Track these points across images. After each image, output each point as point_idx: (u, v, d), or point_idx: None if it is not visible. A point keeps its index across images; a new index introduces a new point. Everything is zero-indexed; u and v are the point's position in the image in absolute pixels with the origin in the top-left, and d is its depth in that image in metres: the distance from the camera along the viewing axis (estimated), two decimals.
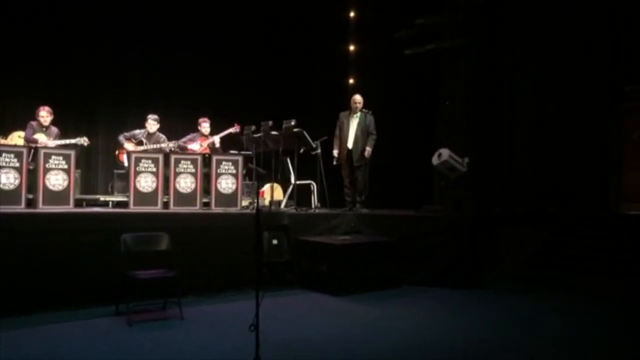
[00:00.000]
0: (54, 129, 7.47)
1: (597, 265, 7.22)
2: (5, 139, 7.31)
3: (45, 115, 7.33)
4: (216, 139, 8.36)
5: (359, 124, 8.00)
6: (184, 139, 8.31)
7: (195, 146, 8.23)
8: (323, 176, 8.10)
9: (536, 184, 9.36)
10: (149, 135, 7.94)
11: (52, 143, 7.20)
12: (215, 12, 9.95)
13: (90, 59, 9.22)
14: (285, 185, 8.60)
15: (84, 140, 7.35)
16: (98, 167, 9.43)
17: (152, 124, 7.96)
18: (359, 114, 8.04)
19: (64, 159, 6.42)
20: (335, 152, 8.17)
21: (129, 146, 7.77)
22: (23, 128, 7.49)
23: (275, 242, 6.79)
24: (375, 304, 6.06)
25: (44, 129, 7.35)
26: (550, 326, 5.24)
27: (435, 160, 7.72)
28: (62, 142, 7.30)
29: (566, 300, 6.38)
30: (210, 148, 8.30)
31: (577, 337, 4.93)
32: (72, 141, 7.28)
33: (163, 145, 7.77)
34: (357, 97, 8.17)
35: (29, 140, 7.16)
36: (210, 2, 9.95)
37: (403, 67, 10.17)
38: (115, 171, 8.28)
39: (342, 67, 11.15)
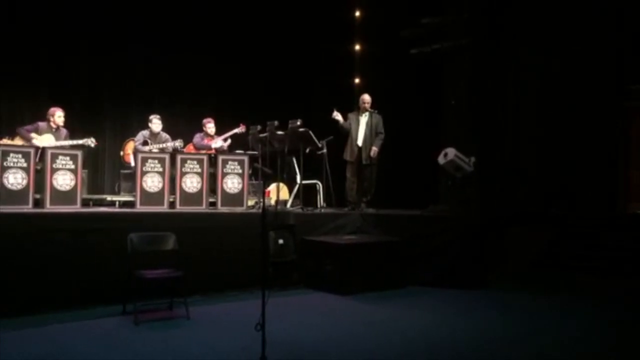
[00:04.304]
0: (64, 130, 7.49)
1: (603, 265, 7.20)
2: (13, 139, 7.35)
3: (61, 115, 7.38)
4: (225, 142, 8.38)
5: (367, 124, 8.01)
6: (197, 140, 8.33)
7: (219, 143, 8.25)
8: (329, 176, 8.11)
9: (542, 183, 9.35)
10: (153, 135, 7.96)
11: (53, 143, 7.18)
12: (220, 11, 9.96)
13: (95, 59, 9.26)
14: (291, 185, 8.61)
15: (91, 141, 7.37)
16: (105, 167, 9.45)
17: (156, 123, 7.97)
18: (367, 113, 8.05)
19: (71, 159, 6.45)
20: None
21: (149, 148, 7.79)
22: None
23: (281, 241, 6.80)
24: (380, 304, 6.06)
25: (54, 129, 7.37)
26: (556, 326, 5.23)
27: (441, 159, 7.71)
28: (69, 142, 7.31)
29: (572, 300, 6.36)
30: (216, 148, 8.32)
31: (583, 337, 4.92)
32: (80, 142, 7.29)
33: (169, 144, 7.79)
34: (366, 97, 8.17)
35: (22, 135, 7.15)
36: (215, 1, 9.96)
37: (409, 66, 10.16)
38: (122, 171, 8.31)
39: (348, 67, 11.14)
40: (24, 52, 8.62)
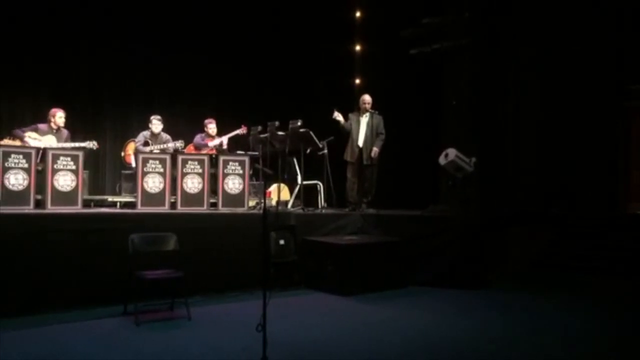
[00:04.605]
0: (65, 131, 7.49)
1: (603, 265, 7.21)
2: (14, 140, 7.36)
3: (62, 116, 7.39)
4: (224, 140, 8.38)
5: (368, 124, 8.02)
6: (197, 140, 8.35)
7: (216, 142, 8.26)
8: (330, 176, 8.11)
9: (543, 183, 9.36)
10: (154, 136, 7.97)
11: (54, 144, 7.18)
12: (220, 11, 9.97)
13: (96, 60, 9.27)
14: (291, 185, 8.62)
15: (93, 144, 7.37)
16: (106, 168, 9.47)
17: (156, 124, 7.98)
18: (367, 114, 8.05)
19: (72, 160, 6.46)
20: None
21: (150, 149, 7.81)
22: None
23: (282, 242, 6.81)
24: (381, 304, 6.07)
25: (55, 131, 7.38)
26: (556, 326, 5.23)
27: (442, 160, 7.72)
28: (70, 144, 7.31)
29: (572, 300, 6.37)
30: (217, 149, 8.33)
31: (583, 336, 4.93)
32: (82, 144, 7.30)
33: (169, 145, 7.80)
34: (367, 97, 8.18)
35: (17, 136, 7.17)
36: (215, 1, 9.97)
37: (409, 66, 10.18)
38: (123, 172, 8.32)
39: (348, 67, 11.15)
40: (24, 52, 8.62)
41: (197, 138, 8.39)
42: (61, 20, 8.83)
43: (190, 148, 8.38)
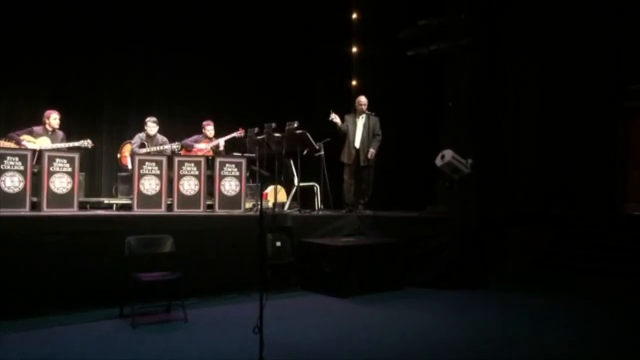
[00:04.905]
0: (60, 133, 7.47)
1: (603, 265, 7.18)
2: (10, 142, 7.34)
3: (57, 117, 7.36)
4: (221, 142, 8.35)
5: (364, 125, 8.00)
6: (189, 139, 8.32)
7: (202, 145, 8.23)
8: (326, 178, 8.09)
9: (541, 184, 9.34)
10: (150, 138, 7.94)
11: (49, 146, 7.16)
12: (220, 12, 9.97)
13: (94, 61, 9.25)
14: (288, 187, 8.59)
15: (87, 143, 7.34)
16: (102, 170, 9.44)
17: (151, 126, 7.94)
18: (364, 115, 8.03)
19: (68, 162, 6.43)
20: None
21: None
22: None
23: (278, 244, 6.77)
24: (379, 306, 6.03)
25: (50, 132, 7.35)
26: (556, 326, 5.20)
27: (438, 161, 7.68)
28: (66, 144, 7.29)
29: (572, 300, 6.34)
30: (213, 150, 8.30)
31: (583, 336, 4.90)
32: (76, 144, 7.27)
33: (166, 147, 7.77)
34: (362, 99, 8.16)
35: (14, 139, 7.15)
36: (214, 3, 9.96)
37: (406, 68, 10.17)
38: (119, 174, 8.28)
39: (345, 69, 11.13)
40: (24, 53, 8.61)
41: (189, 139, 8.33)
42: (61, 20, 8.81)
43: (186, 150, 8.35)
